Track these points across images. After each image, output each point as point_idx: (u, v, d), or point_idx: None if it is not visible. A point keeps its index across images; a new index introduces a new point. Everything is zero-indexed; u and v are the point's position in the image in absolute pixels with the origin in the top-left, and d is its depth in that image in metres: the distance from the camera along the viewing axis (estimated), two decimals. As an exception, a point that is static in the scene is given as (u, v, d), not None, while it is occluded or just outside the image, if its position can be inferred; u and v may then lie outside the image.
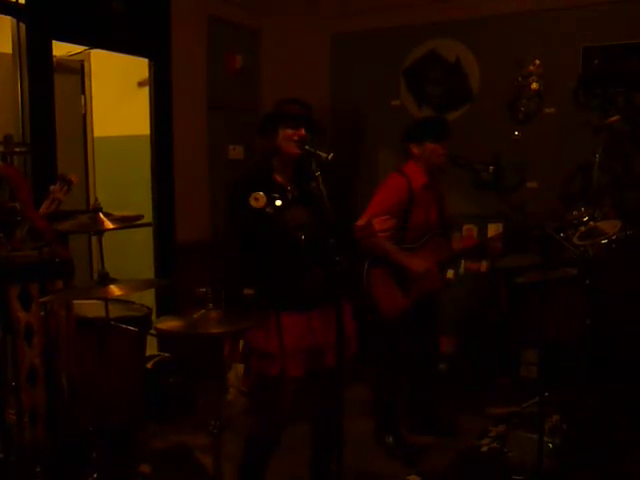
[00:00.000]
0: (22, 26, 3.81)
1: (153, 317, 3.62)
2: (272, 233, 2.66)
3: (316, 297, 2.73)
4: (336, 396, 2.58)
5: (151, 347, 4.12)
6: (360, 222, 3.46)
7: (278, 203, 2.61)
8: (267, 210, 2.57)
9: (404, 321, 3.65)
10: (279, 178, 2.80)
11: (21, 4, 3.79)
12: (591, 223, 3.54)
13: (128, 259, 4.60)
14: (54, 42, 4.03)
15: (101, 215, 2.75)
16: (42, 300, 2.88)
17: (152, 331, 3.39)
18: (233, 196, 2.78)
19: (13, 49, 3.85)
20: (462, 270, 4.69)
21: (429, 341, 3.96)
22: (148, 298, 4.37)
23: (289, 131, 2.71)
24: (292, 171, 2.80)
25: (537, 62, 4.63)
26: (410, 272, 3.55)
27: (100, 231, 2.78)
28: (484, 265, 4.73)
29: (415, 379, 3.99)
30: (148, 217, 4.64)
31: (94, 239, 3.27)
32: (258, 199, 2.56)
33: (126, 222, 2.90)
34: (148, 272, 4.78)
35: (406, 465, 3.58)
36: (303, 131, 2.69)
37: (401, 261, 3.56)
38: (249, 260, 2.84)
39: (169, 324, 2.34)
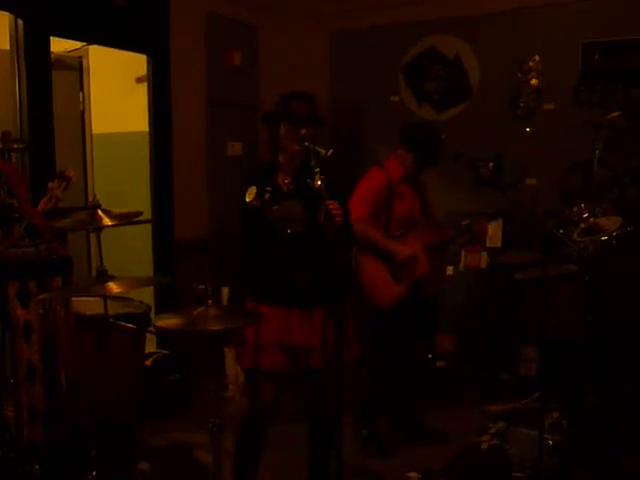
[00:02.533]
0: (20, 22, 3.80)
1: (152, 314, 3.61)
2: (258, 226, 2.73)
3: (297, 296, 2.73)
4: (331, 397, 2.57)
5: (150, 344, 4.11)
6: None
7: (266, 197, 2.70)
8: (254, 203, 2.69)
9: (399, 316, 3.63)
10: (280, 171, 2.81)
11: None
12: (591, 220, 3.53)
13: (127, 256, 4.58)
14: (52, 38, 4.02)
15: (100, 212, 2.74)
16: (41, 297, 2.87)
17: (151, 328, 3.39)
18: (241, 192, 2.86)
19: (11, 45, 3.84)
20: (462, 266, 4.67)
21: (424, 340, 3.93)
22: (147, 295, 4.35)
23: (290, 129, 2.72)
24: (297, 164, 2.80)
25: (537, 58, 4.62)
26: (396, 258, 3.55)
27: (99, 228, 2.76)
28: (484, 261, 4.71)
29: (406, 380, 3.95)
30: (147, 214, 4.62)
31: (93, 236, 3.26)
32: (251, 193, 2.72)
33: (125, 219, 2.89)
34: (147, 269, 4.78)
35: (379, 456, 3.62)
36: (304, 131, 2.70)
37: (386, 246, 3.57)
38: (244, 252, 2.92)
39: (168, 321, 2.33)
